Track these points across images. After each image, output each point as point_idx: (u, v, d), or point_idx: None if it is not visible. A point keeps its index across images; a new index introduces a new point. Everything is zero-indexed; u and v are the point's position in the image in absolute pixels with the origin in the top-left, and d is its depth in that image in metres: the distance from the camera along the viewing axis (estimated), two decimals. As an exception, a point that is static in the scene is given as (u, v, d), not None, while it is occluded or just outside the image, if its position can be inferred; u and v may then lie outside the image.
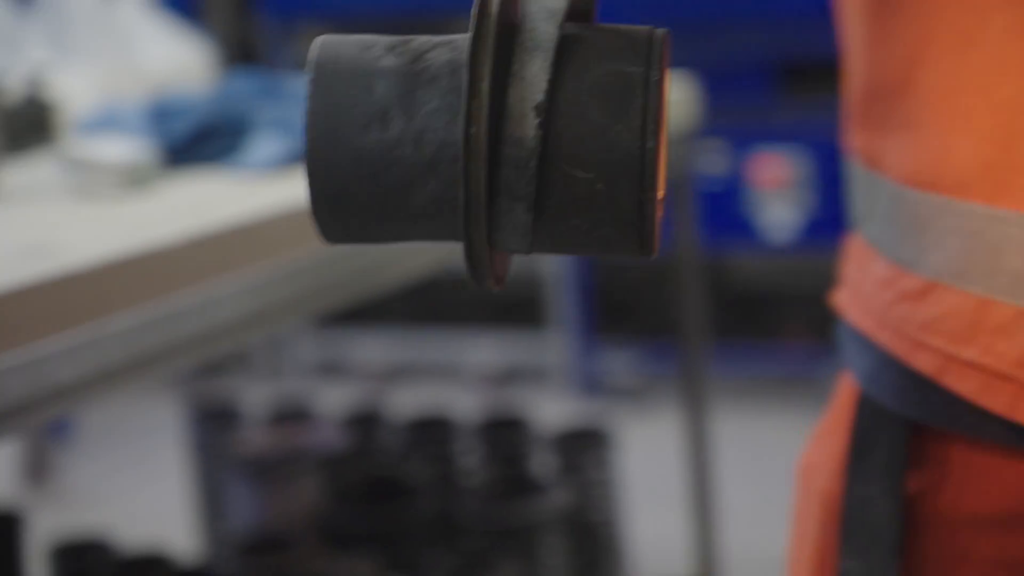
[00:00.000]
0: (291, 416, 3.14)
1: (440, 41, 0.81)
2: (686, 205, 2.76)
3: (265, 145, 1.96)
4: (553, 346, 4.91)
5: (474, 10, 0.77)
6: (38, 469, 4.40)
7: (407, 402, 4.26)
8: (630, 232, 0.80)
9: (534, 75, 0.78)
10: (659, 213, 0.81)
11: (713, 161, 4.39)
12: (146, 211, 1.76)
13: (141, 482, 4.33)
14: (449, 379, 5.04)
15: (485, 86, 0.76)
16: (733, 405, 4.31)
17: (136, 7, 2.81)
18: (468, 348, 5.06)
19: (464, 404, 4.40)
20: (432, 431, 3.02)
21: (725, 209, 4.40)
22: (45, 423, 1.43)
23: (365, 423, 3.11)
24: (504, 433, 2.99)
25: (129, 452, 4.60)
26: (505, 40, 0.78)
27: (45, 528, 3.23)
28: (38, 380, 1.39)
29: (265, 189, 1.86)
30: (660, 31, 0.81)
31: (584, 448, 2.90)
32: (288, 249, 1.71)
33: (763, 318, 4.83)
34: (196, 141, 2.01)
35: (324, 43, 0.82)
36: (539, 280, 5.02)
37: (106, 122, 2.03)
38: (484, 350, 5.04)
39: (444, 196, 0.79)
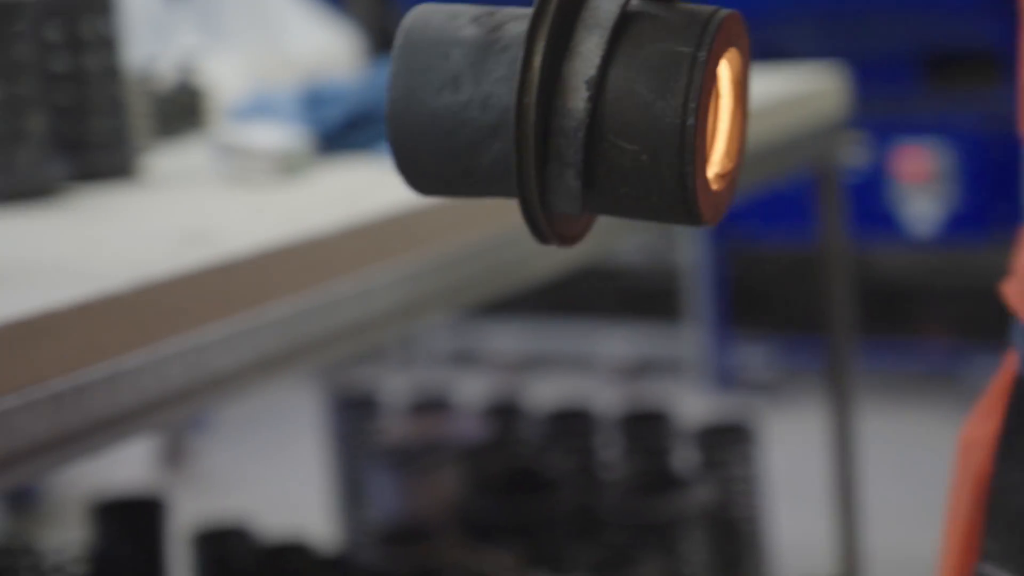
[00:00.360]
0: (430, 406, 3.13)
1: (521, 14, 0.87)
2: (832, 197, 2.71)
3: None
4: (688, 338, 4.87)
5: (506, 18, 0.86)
6: (175, 455, 4.43)
7: (540, 393, 4.24)
8: (676, 202, 0.85)
9: (589, 51, 0.84)
10: (718, 187, 0.88)
11: (856, 153, 4.32)
12: (300, 199, 1.75)
13: (278, 469, 4.35)
14: (582, 370, 5.02)
15: (538, 59, 0.82)
16: (872, 401, 4.24)
17: (284, -6, 2.82)
18: (602, 339, 5.03)
19: (598, 395, 4.38)
20: (572, 423, 2.99)
21: (867, 202, 4.33)
22: (203, 412, 1.42)
23: (504, 414, 3.09)
24: (645, 426, 2.96)
25: (266, 438, 4.62)
26: (569, 16, 0.85)
27: (182, 514, 3.25)
28: (197, 368, 1.39)
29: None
30: (723, 13, 0.85)
31: (727, 443, 2.86)
32: (441, 239, 1.69)
33: (904, 313, 4.75)
34: (349, 128, 2.00)
35: (417, 11, 0.89)
36: (674, 272, 4.98)
37: (258, 109, 2.03)
38: (618, 341, 5.01)
39: (506, 158, 0.86)
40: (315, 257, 1.52)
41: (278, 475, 4.30)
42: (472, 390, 4.13)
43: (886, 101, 4.33)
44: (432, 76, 0.88)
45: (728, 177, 0.90)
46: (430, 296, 1.68)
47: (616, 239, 2.03)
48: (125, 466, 4.27)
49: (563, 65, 0.85)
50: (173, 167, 2.02)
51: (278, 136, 1.88)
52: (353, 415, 3.13)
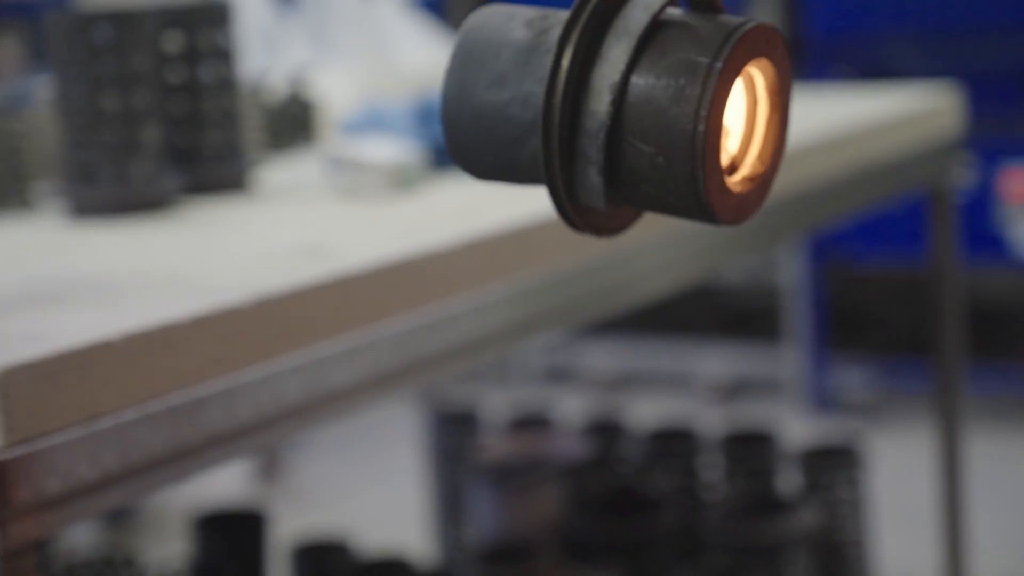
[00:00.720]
0: (530, 423, 3.11)
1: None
2: (944, 219, 2.67)
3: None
4: (787, 359, 4.82)
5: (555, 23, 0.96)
6: (271, 468, 4.44)
7: (638, 411, 4.21)
8: (691, 202, 0.93)
9: (616, 57, 0.92)
10: (744, 188, 0.96)
11: (963, 174, 4.26)
12: (414, 214, 1.73)
13: (375, 484, 4.34)
14: (679, 390, 4.98)
15: (566, 63, 0.92)
16: (978, 425, 4.17)
17: (394, 7, 2.81)
18: (700, 359, 4.99)
19: (696, 415, 4.34)
20: (674, 443, 2.96)
21: (973, 223, 4.26)
22: (317, 428, 1.41)
23: (604, 432, 3.06)
24: (748, 448, 2.92)
25: (363, 453, 4.62)
26: (604, 22, 0.93)
27: (279, 528, 3.24)
28: (314, 384, 1.37)
29: (530, 194, 1.82)
30: (750, 25, 0.92)
31: (832, 466, 2.82)
32: (554, 257, 1.67)
33: (1009, 336, 4.67)
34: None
35: (479, 12, 0.99)
36: (774, 291, 4.93)
37: (371, 122, 2.02)
38: (716, 361, 4.96)
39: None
40: (430, 273, 1.50)
41: (375, 490, 4.29)
42: (570, 408, 4.11)
43: (994, 121, 4.27)
44: (482, 74, 0.97)
45: (759, 180, 0.98)
46: (543, 314, 1.66)
47: (724, 259, 2.00)
48: (220, 479, 4.28)
49: (592, 69, 0.93)
50: (285, 180, 2.02)
51: (391, 150, 1.87)
52: (452, 431, 3.12)
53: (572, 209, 0.96)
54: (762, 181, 0.99)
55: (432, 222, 1.66)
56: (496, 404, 4.38)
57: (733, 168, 1.00)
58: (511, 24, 0.99)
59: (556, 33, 0.95)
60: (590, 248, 1.71)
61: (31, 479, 1.12)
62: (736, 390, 4.92)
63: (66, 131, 1.78)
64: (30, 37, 5.56)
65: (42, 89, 1.94)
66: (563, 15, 0.97)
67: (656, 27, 0.94)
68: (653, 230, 1.78)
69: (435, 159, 1.94)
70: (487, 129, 0.98)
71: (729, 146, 1.00)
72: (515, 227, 1.62)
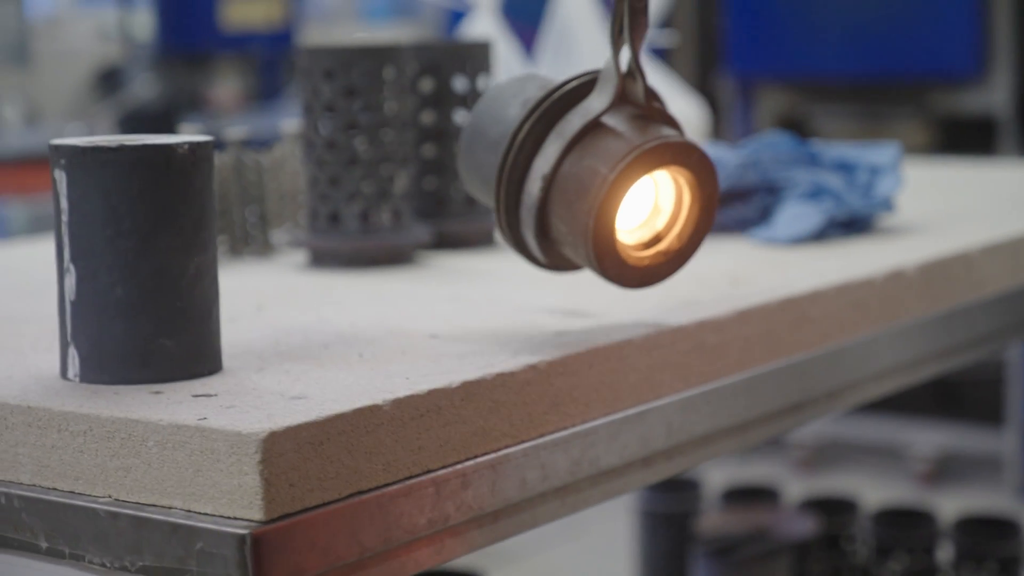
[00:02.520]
0: (752, 495, 2.97)
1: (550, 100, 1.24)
2: None
3: (798, 214, 1.80)
4: (1010, 440, 4.61)
5: (537, 97, 1.24)
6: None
7: (844, 484, 4.04)
8: (596, 272, 1.25)
9: (551, 153, 1.22)
10: (656, 261, 1.28)
11: None
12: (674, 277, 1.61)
13: (574, 538, 4.22)
14: (887, 463, 4.80)
15: (511, 157, 1.23)
16: None
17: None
18: (911, 432, 4.80)
19: (915, 494, 4.16)
20: (907, 523, 2.80)
21: None
22: (583, 507, 1.31)
23: (830, 508, 2.92)
24: (985, 532, 2.75)
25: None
26: (555, 119, 1.22)
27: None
28: (582, 460, 1.27)
29: (800, 261, 1.70)
30: (653, 143, 1.20)
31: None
32: (831, 331, 1.54)
33: None
34: (722, 203, 1.87)
35: (506, 79, 1.31)
36: (995, 367, 4.72)
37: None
38: (928, 436, 4.77)
39: None
40: (708, 344, 1.39)
41: (574, 545, 4.18)
42: (786, 478, 3.96)
43: None
44: (483, 138, 1.28)
45: (674, 254, 1.29)
46: (817, 394, 1.54)
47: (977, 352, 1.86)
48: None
49: (535, 158, 1.23)
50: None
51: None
52: (672, 498, 2.99)
53: (531, 259, 1.29)
54: (677, 255, 1.29)
55: (697, 286, 1.55)
56: (719, 474, 4.25)
57: (657, 239, 1.29)
58: (515, 100, 1.27)
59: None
60: (862, 324, 1.59)
61: (288, 555, 1.03)
62: (948, 469, 4.72)
63: (313, 173, 1.70)
64: (245, 70, 5.58)
65: (286, 124, 1.87)
66: (550, 97, 1.24)
67: (590, 129, 1.21)
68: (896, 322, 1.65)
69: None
70: (483, 184, 1.29)
71: (657, 223, 1.29)
72: (788, 295, 1.50)
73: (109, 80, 5.29)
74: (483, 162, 1.27)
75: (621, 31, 1.20)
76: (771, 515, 2.85)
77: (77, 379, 1.17)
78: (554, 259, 1.28)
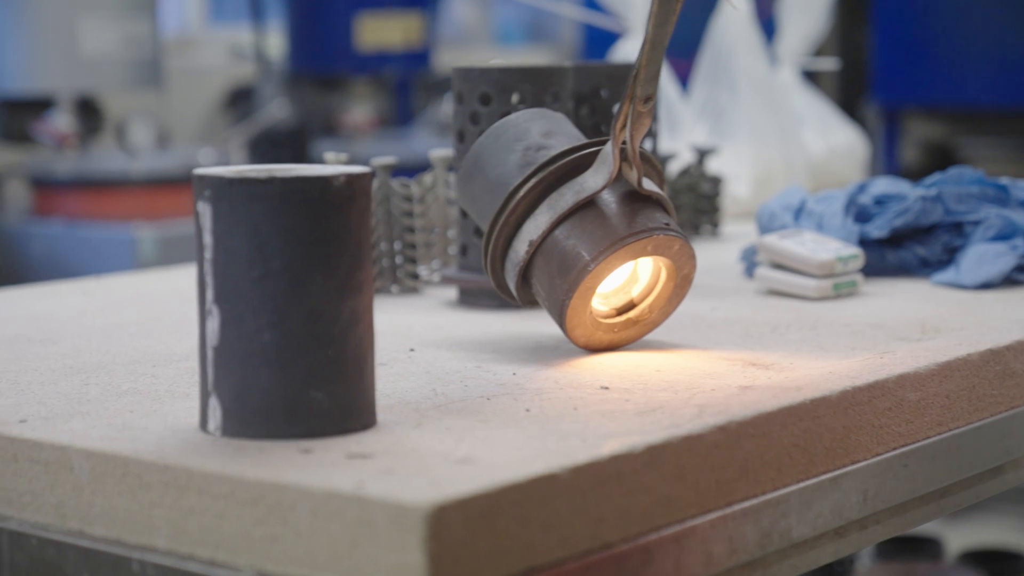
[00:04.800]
0: (911, 545, 2.82)
1: (551, 156, 1.29)
2: None
3: (985, 255, 1.66)
4: None
5: (535, 159, 1.29)
6: None
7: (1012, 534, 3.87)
8: (568, 338, 1.32)
9: (541, 222, 1.27)
10: (626, 331, 1.34)
11: None
12: (858, 323, 1.48)
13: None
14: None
15: (504, 216, 1.28)
16: None
17: (797, 84, 2.57)
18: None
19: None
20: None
21: None
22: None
23: (993, 559, 2.76)
24: None
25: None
26: (549, 189, 1.27)
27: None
28: (772, 531, 1.14)
29: (994, 307, 1.56)
30: (636, 239, 1.26)
31: None
32: None
33: None
34: (895, 243, 1.73)
35: (510, 118, 1.34)
36: None
37: (794, 212, 1.78)
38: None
39: None
40: (908, 400, 1.25)
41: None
42: (947, 528, 3.78)
43: None
44: (484, 173, 1.32)
45: (643, 323, 1.35)
46: None
47: None
48: None
49: (526, 220, 1.28)
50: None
51: (825, 248, 1.63)
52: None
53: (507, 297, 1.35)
54: (646, 325, 1.35)
55: (883, 333, 1.41)
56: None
57: (630, 306, 1.35)
58: (518, 144, 1.31)
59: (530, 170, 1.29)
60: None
61: (454, 642, 0.91)
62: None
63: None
64: (379, 93, 5.49)
65: (435, 151, 1.75)
66: (556, 148, 1.29)
67: (581, 206, 1.26)
68: None
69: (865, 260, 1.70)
70: (476, 214, 1.34)
71: (632, 290, 1.34)
72: (991, 346, 1.35)
73: (240, 101, 5.22)
74: (479, 197, 1.32)
75: (624, 127, 1.25)
76: (930, 568, 2.69)
77: (218, 433, 1.06)
78: (530, 302, 1.33)
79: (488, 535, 0.93)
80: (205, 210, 1.05)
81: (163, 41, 4.65)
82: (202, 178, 1.05)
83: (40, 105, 4.18)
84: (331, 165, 1.08)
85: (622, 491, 1.01)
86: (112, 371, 1.28)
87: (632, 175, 1.27)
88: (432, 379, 1.24)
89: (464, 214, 1.58)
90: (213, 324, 1.05)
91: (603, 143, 1.28)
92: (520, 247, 1.28)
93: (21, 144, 4.26)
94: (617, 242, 1.26)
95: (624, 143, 1.26)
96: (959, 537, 3.14)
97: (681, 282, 1.34)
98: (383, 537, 0.91)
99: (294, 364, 1.04)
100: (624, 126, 1.25)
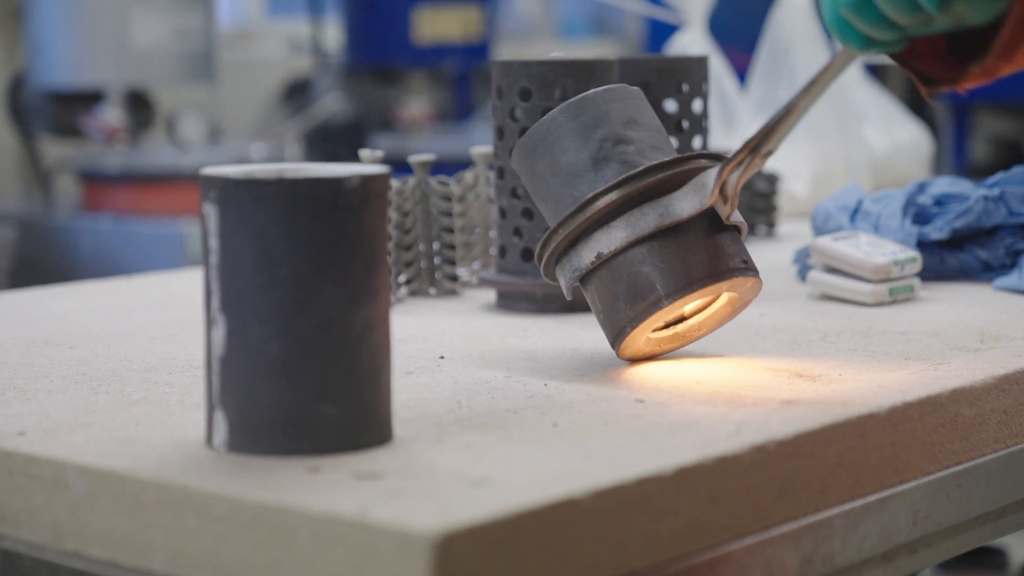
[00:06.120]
0: (977, 557, 2.73)
1: (623, 160, 1.22)
2: None
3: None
4: None
5: (619, 167, 1.20)
6: None
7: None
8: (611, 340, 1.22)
9: (615, 237, 1.18)
10: (669, 342, 1.27)
11: None
12: (914, 331, 1.41)
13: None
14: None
15: (573, 223, 1.19)
16: None
17: (859, 78, 2.49)
18: None
19: None
20: None
21: None
22: None
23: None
24: None
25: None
26: (632, 202, 1.18)
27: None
28: (815, 557, 1.07)
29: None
30: (719, 280, 1.19)
31: None
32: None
33: None
34: (956, 245, 1.66)
35: (588, 95, 1.23)
36: None
37: (848, 212, 1.70)
38: None
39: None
40: (963, 416, 1.18)
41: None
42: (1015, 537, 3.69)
43: None
44: (553, 153, 1.22)
45: (683, 337, 1.27)
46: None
47: None
48: None
49: (598, 228, 1.18)
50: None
51: (881, 251, 1.55)
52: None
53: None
54: (685, 339, 1.28)
55: (940, 342, 1.34)
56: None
57: (680, 320, 1.28)
58: (594, 132, 1.21)
59: (614, 166, 1.20)
60: None
61: None
62: None
63: (505, 204, 1.52)
64: (437, 87, 5.44)
65: (476, 148, 1.69)
66: (637, 146, 1.21)
67: (657, 234, 1.17)
68: None
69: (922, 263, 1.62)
70: (533, 190, 1.24)
71: (685, 307, 1.26)
72: (1052, 360, 1.28)
73: (296, 95, 5.18)
74: (540, 176, 1.23)
75: (734, 170, 1.18)
76: (994, 579, 2.61)
77: (224, 448, 1.00)
78: (573, 295, 1.24)
79: (501, 564, 0.86)
80: (211, 212, 0.99)
81: (218, 34, 4.61)
82: (208, 178, 0.99)
83: (90, 98, 4.13)
84: (347, 164, 1.02)
85: (649, 515, 0.95)
86: (125, 379, 1.22)
87: (724, 209, 1.20)
88: (459, 390, 1.18)
89: (503, 214, 1.52)
90: (219, 334, 0.99)
91: (692, 159, 1.19)
92: (586, 255, 1.19)
93: (70, 138, 4.23)
94: (696, 283, 1.18)
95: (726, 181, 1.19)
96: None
97: (739, 307, 1.28)
98: (388, 565, 0.85)
99: (303, 376, 0.98)
100: (735, 170, 1.18)
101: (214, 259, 0.99)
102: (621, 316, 1.19)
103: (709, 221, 1.20)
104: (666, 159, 1.19)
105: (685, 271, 1.17)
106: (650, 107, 1.26)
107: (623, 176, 1.18)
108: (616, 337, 1.21)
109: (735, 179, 1.19)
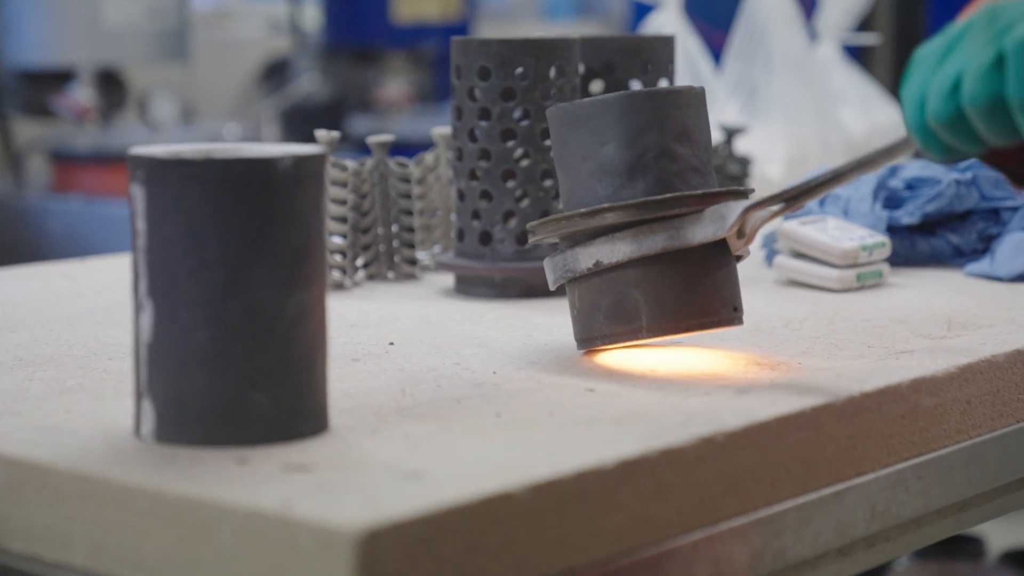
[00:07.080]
0: (951, 545, 2.71)
1: (654, 163, 1.16)
2: None
3: (1022, 246, 1.55)
4: None
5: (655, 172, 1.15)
6: None
7: None
8: (577, 339, 1.20)
9: (619, 250, 1.14)
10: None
11: None
12: (880, 317, 1.37)
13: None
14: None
15: (580, 222, 1.15)
16: None
17: (837, 60, 2.46)
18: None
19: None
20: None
21: None
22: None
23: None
24: None
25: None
26: (643, 220, 1.14)
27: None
28: (766, 552, 1.04)
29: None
30: (704, 323, 1.16)
31: None
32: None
33: None
34: (927, 230, 1.62)
35: (651, 93, 1.17)
36: None
37: (823, 200, 1.67)
38: None
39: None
40: (924, 407, 1.15)
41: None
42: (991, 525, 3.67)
43: None
44: (591, 137, 1.16)
45: (652, 341, 1.19)
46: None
47: None
48: None
49: (600, 237, 1.14)
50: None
51: (848, 236, 1.52)
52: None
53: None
54: (652, 341, 1.20)
55: (905, 329, 1.31)
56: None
57: None
58: (643, 135, 1.14)
59: (644, 162, 1.15)
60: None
61: None
62: None
63: (463, 186, 1.48)
64: (416, 67, 5.39)
65: (437, 129, 1.66)
66: (679, 167, 1.15)
67: (655, 258, 1.14)
68: None
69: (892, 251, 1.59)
70: (556, 156, 1.19)
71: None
72: (1018, 347, 1.25)
73: (273, 75, 5.13)
74: (571, 148, 1.17)
75: (760, 211, 1.13)
76: (971, 568, 2.58)
77: (152, 438, 0.96)
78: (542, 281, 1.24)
79: (429, 563, 0.83)
80: (138, 193, 0.95)
81: (196, 13, 4.56)
82: (135, 158, 0.96)
83: (60, 78, 4.08)
84: (280, 145, 0.98)
85: (589, 511, 0.91)
86: (63, 364, 1.19)
87: (736, 244, 1.16)
88: (404, 378, 1.14)
89: (462, 196, 1.49)
90: (146, 320, 0.96)
91: (721, 196, 1.14)
92: (584, 259, 1.15)
93: (41, 118, 4.17)
94: (681, 324, 1.15)
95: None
96: (1002, 536, 3.02)
97: (710, 327, 1.20)
98: (310, 563, 0.82)
99: (232, 364, 0.94)
100: (760, 211, 1.13)
101: (141, 242, 0.95)
102: (597, 328, 1.16)
103: (716, 252, 1.15)
104: (695, 193, 1.13)
105: (674, 309, 1.14)
106: (707, 114, 1.20)
107: (646, 199, 1.13)
108: (584, 342, 1.18)
109: (758, 220, 1.14)
